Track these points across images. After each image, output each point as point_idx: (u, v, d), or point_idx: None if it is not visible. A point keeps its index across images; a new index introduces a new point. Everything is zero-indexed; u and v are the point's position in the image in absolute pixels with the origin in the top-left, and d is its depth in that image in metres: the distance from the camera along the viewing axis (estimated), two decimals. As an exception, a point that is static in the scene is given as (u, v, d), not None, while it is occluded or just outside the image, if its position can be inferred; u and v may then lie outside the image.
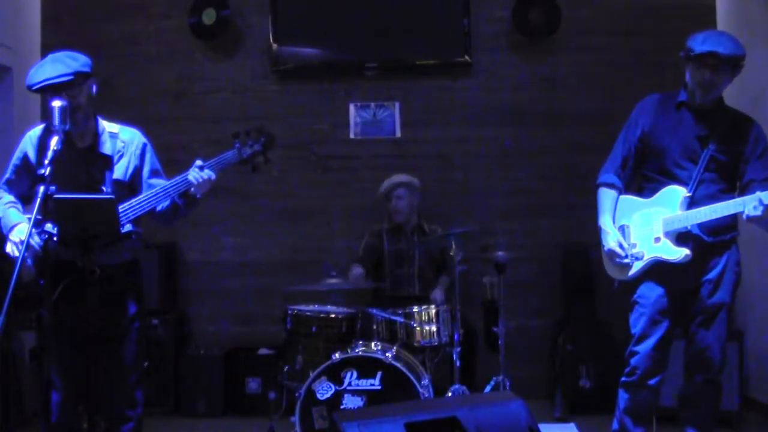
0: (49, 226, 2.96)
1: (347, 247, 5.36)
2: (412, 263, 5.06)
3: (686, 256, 3.28)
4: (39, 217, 2.81)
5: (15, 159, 3.35)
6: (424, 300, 4.67)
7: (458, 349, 4.36)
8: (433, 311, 4.35)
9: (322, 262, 5.16)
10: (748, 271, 4.70)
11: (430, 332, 4.32)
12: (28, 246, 2.97)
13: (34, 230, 2.89)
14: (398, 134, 5.67)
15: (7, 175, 3.37)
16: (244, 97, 5.71)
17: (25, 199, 3.36)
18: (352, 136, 5.69)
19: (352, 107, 5.68)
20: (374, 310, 4.38)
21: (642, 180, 3.55)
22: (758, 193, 3.09)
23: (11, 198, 3.32)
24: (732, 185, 3.41)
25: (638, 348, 3.41)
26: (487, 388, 4.66)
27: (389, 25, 5.60)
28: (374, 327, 4.34)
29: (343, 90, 5.68)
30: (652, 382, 3.40)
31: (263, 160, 3.41)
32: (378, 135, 5.68)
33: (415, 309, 4.35)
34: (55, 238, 2.98)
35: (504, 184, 5.60)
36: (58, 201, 2.88)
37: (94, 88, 3.26)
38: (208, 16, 5.60)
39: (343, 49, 5.65)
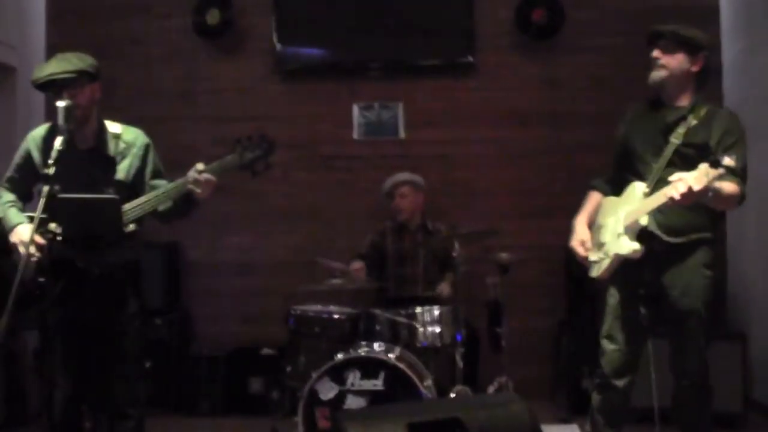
0: (52, 226, 2.97)
1: (350, 248, 5.35)
2: (417, 263, 5.05)
3: (635, 251, 3.20)
4: (44, 216, 2.81)
5: (18, 158, 3.36)
6: (427, 300, 4.66)
7: (461, 350, 4.35)
8: (437, 312, 4.34)
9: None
10: (749, 273, 4.70)
11: (433, 333, 4.32)
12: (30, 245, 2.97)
13: (36, 231, 2.89)
14: (402, 135, 5.67)
15: (9, 174, 3.37)
16: (247, 98, 5.72)
17: (25, 199, 3.37)
18: (355, 136, 5.69)
19: (355, 108, 5.68)
20: (377, 311, 4.38)
21: (623, 182, 3.53)
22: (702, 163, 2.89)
23: (12, 197, 3.32)
24: None
25: (605, 348, 3.43)
26: (490, 389, 4.66)
27: (393, 26, 5.60)
28: (377, 327, 4.33)
29: (346, 90, 5.68)
30: (619, 383, 3.38)
31: (264, 166, 3.40)
32: (381, 135, 5.68)
33: (418, 310, 4.33)
34: (59, 238, 2.99)
35: (507, 184, 5.60)
36: (62, 201, 2.88)
37: (98, 92, 3.28)
38: (212, 16, 5.61)
39: (347, 49, 5.65)
